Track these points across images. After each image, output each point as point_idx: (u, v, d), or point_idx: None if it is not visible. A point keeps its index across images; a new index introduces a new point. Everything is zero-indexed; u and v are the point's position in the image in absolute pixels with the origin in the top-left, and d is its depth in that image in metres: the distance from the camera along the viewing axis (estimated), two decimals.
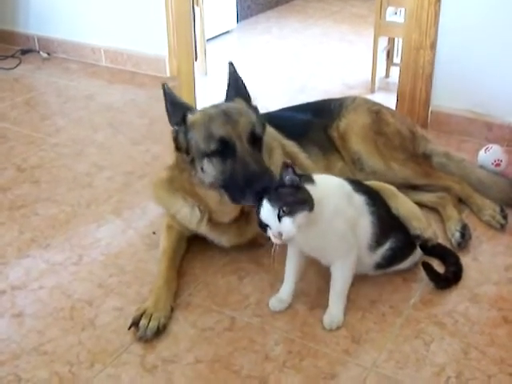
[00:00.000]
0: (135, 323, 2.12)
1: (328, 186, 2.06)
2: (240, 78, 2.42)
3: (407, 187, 2.70)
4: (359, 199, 2.14)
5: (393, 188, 2.34)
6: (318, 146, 2.80)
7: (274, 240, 1.91)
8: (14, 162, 3.35)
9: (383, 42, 4.46)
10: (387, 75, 4.62)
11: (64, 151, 3.47)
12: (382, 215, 2.19)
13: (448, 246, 2.48)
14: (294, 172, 1.90)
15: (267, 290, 2.31)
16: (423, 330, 2.11)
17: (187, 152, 2.30)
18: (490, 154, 3.06)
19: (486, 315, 2.17)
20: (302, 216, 1.87)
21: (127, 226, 2.75)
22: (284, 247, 2.18)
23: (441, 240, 2.44)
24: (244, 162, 2.18)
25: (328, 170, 2.68)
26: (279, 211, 1.86)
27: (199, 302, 2.28)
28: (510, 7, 3.18)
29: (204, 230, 2.43)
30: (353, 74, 4.74)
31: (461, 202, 2.77)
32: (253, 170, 2.16)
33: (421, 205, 2.57)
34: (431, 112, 3.60)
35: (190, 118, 2.29)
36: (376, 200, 2.21)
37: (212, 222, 2.41)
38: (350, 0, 6.99)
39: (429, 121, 3.61)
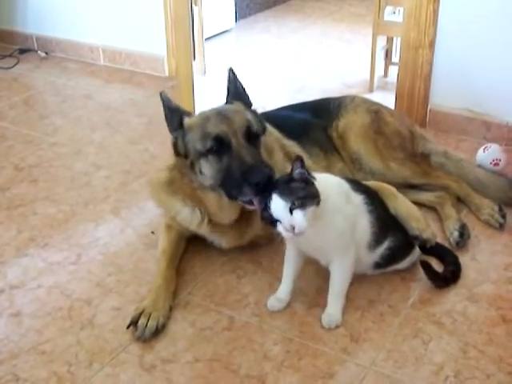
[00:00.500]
0: (134, 323, 2.11)
1: (327, 184, 2.06)
2: (240, 84, 2.42)
3: (406, 186, 2.71)
4: (357, 198, 2.14)
5: (392, 188, 2.34)
6: (318, 146, 2.79)
7: (286, 234, 1.91)
8: (12, 161, 3.34)
9: (382, 41, 4.45)
10: (386, 74, 4.62)
11: (62, 150, 3.47)
12: (380, 214, 2.19)
13: (446, 245, 2.48)
14: (303, 166, 1.90)
15: (266, 289, 2.31)
16: (422, 330, 2.11)
17: (186, 156, 2.31)
18: (488, 154, 3.07)
19: (485, 314, 2.17)
20: (311, 210, 1.88)
21: (126, 225, 2.75)
22: (282, 247, 2.18)
23: (439, 239, 2.44)
24: (239, 156, 2.19)
25: (328, 170, 2.67)
26: (291, 204, 1.86)
27: (198, 302, 2.28)
28: (508, 6, 3.18)
29: (204, 231, 2.43)
30: (351, 74, 4.73)
31: (459, 201, 2.77)
32: (249, 164, 2.16)
33: (419, 204, 2.58)
34: (430, 111, 3.60)
35: (187, 121, 2.30)
36: (374, 199, 2.21)
37: (212, 223, 2.40)
38: None
39: (427, 120, 3.61)
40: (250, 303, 2.26)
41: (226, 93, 2.43)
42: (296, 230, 1.87)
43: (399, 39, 3.92)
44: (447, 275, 2.31)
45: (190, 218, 2.40)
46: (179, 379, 1.94)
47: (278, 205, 1.88)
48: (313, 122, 2.87)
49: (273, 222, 1.92)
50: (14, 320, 2.20)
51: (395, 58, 4.48)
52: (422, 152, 2.94)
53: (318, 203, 1.90)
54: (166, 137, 2.41)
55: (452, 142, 3.42)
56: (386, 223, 2.21)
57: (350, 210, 2.08)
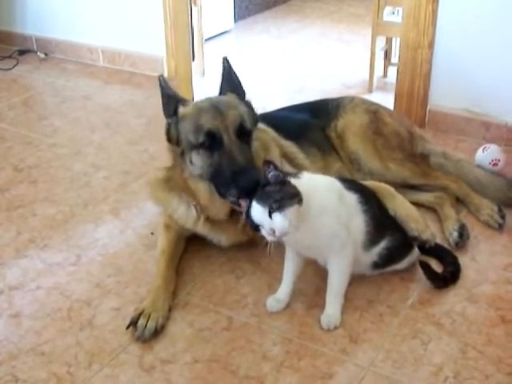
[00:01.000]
0: (133, 323, 2.11)
1: (314, 184, 2.06)
2: (234, 73, 2.43)
3: (405, 187, 2.71)
4: (351, 198, 2.14)
5: (391, 189, 2.34)
6: (316, 146, 2.80)
7: (269, 238, 1.91)
8: (11, 162, 3.34)
9: (381, 42, 4.46)
10: (385, 75, 4.62)
11: (61, 151, 3.47)
12: (376, 214, 2.18)
13: (446, 245, 2.48)
14: (276, 168, 1.91)
15: (265, 289, 2.31)
16: (421, 330, 2.11)
17: (178, 144, 2.34)
18: (487, 154, 3.07)
19: (484, 315, 2.17)
20: (292, 210, 1.87)
21: (125, 226, 2.75)
22: (282, 248, 2.18)
23: (439, 240, 2.44)
24: (230, 155, 2.21)
25: (326, 170, 2.68)
26: (269, 209, 1.86)
27: (197, 302, 2.28)
28: (507, 6, 3.19)
29: (201, 229, 2.43)
30: (350, 74, 4.74)
31: (458, 201, 2.77)
32: (238, 164, 2.18)
33: (418, 204, 2.58)
34: (429, 111, 3.60)
35: (182, 110, 2.33)
36: (369, 199, 2.20)
37: (210, 220, 2.41)
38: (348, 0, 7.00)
39: (426, 120, 3.61)
40: (248, 303, 2.26)
41: (220, 82, 2.44)
42: (277, 233, 1.87)
43: (398, 39, 3.92)
44: (446, 276, 2.30)
45: (186, 215, 2.41)
46: (178, 380, 1.94)
47: (257, 211, 1.89)
48: (311, 123, 2.88)
49: (256, 227, 1.93)
50: (13, 321, 2.20)
51: (394, 59, 4.49)
52: (421, 152, 2.94)
53: (299, 202, 1.90)
54: (165, 139, 2.41)
55: (451, 143, 3.42)
56: (382, 223, 2.20)
57: (340, 209, 2.07)
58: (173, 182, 2.44)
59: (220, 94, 2.44)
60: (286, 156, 2.54)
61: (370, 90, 4.36)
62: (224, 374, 1.96)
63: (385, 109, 3.02)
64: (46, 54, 4.97)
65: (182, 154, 2.33)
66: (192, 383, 1.93)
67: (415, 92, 3.59)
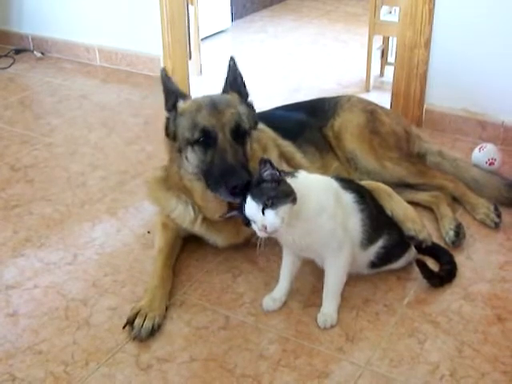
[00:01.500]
0: (130, 322, 2.12)
1: (311, 183, 2.07)
2: (240, 73, 2.42)
3: (402, 186, 2.71)
4: (347, 197, 2.14)
5: (388, 188, 2.34)
6: (314, 145, 2.80)
7: (260, 234, 1.94)
8: (7, 161, 3.34)
9: (378, 41, 4.46)
10: (382, 74, 4.63)
11: (58, 151, 3.47)
12: (372, 213, 2.18)
13: (442, 244, 2.49)
14: (273, 166, 1.92)
15: (261, 288, 2.31)
16: (417, 329, 2.11)
17: (175, 139, 2.34)
18: (484, 153, 3.07)
19: (480, 313, 2.18)
20: (285, 208, 1.89)
21: (122, 226, 2.75)
22: (278, 247, 2.19)
23: (435, 239, 2.44)
24: (222, 153, 2.22)
25: (324, 169, 2.68)
26: (263, 205, 1.88)
27: (194, 301, 2.28)
28: (504, 6, 3.19)
29: (198, 229, 2.43)
30: (347, 73, 4.74)
31: (455, 200, 2.78)
32: (229, 164, 2.19)
33: (415, 204, 2.58)
34: (425, 111, 3.60)
35: (181, 105, 2.34)
36: (366, 198, 2.20)
37: (207, 221, 2.41)
38: None
39: (423, 119, 3.62)
40: (245, 302, 2.26)
41: (224, 80, 2.44)
42: (268, 229, 1.90)
43: (395, 39, 3.93)
44: (443, 274, 2.31)
45: (183, 215, 2.42)
46: (175, 379, 1.94)
47: (251, 206, 1.92)
48: (308, 122, 2.88)
49: (248, 223, 1.96)
50: (10, 320, 2.20)
51: (391, 58, 4.50)
52: (417, 152, 2.95)
53: (293, 201, 1.92)
54: (162, 137, 2.41)
55: (448, 142, 3.43)
56: (378, 222, 2.20)
57: (337, 208, 2.07)
58: (170, 182, 2.45)
59: (223, 92, 2.43)
60: (283, 155, 2.54)
61: (367, 90, 4.36)
62: (221, 372, 1.96)
63: (382, 108, 3.03)
64: (42, 53, 4.96)
65: (179, 150, 2.33)
66: (189, 382, 1.94)
67: (412, 91, 3.59)
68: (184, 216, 2.42)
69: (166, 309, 2.21)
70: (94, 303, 2.27)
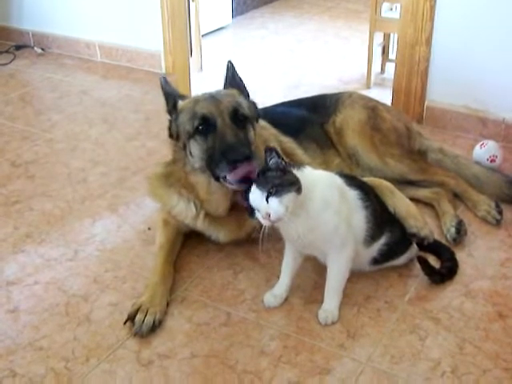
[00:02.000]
0: (131, 318, 2.12)
1: (316, 179, 2.06)
2: (238, 76, 2.44)
3: (403, 183, 2.70)
4: (352, 194, 2.14)
5: (390, 185, 2.34)
6: (315, 142, 2.80)
7: (264, 222, 1.94)
8: (8, 157, 3.34)
9: (379, 38, 4.46)
10: (382, 71, 4.63)
11: (59, 146, 3.47)
12: (376, 210, 2.18)
13: (443, 241, 2.49)
14: (278, 155, 1.93)
15: (262, 285, 2.31)
16: (418, 325, 2.11)
17: (178, 138, 2.35)
18: (485, 150, 3.07)
19: (481, 310, 2.18)
20: (289, 197, 1.89)
21: (122, 222, 2.75)
22: (280, 243, 2.18)
23: (436, 235, 2.44)
24: (223, 136, 2.22)
25: (325, 165, 2.68)
26: (267, 193, 1.89)
27: (195, 297, 2.28)
28: (505, 3, 3.18)
29: (200, 225, 2.43)
30: (348, 70, 4.74)
31: (456, 197, 2.78)
32: (229, 143, 2.19)
33: (416, 200, 2.59)
34: (426, 107, 3.60)
35: (180, 104, 2.35)
36: (369, 195, 2.20)
37: (209, 217, 2.41)
38: None
39: (424, 116, 3.61)
40: (246, 299, 2.26)
41: (223, 84, 2.45)
42: (271, 217, 1.90)
43: (396, 36, 3.92)
44: (444, 271, 2.31)
45: (185, 211, 2.42)
46: (176, 375, 1.94)
47: (255, 194, 1.92)
48: (310, 118, 2.88)
49: (252, 212, 1.97)
50: (10, 316, 2.20)
51: (392, 55, 4.49)
52: (418, 148, 2.95)
53: (298, 191, 1.92)
54: (163, 133, 2.41)
55: (449, 139, 3.43)
56: (382, 219, 2.20)
57: (341, 205, 2.07)
58: (172, 178, 2.44)
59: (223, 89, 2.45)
60: (285, 152, 2.54)
61: (368, 86, 4.36)
62: (222, 368, 1.96)
63: (383, 105, 3.02)
64: (43, 49, 4.96)
65: (184, 147, 2.33)
66: (190, 378, 1.94)
67: (413, 88, 3.59)
68: (186, 212, 2.42)
69: (167, 305, 2.20)
70: (94, 299, 2.27)
